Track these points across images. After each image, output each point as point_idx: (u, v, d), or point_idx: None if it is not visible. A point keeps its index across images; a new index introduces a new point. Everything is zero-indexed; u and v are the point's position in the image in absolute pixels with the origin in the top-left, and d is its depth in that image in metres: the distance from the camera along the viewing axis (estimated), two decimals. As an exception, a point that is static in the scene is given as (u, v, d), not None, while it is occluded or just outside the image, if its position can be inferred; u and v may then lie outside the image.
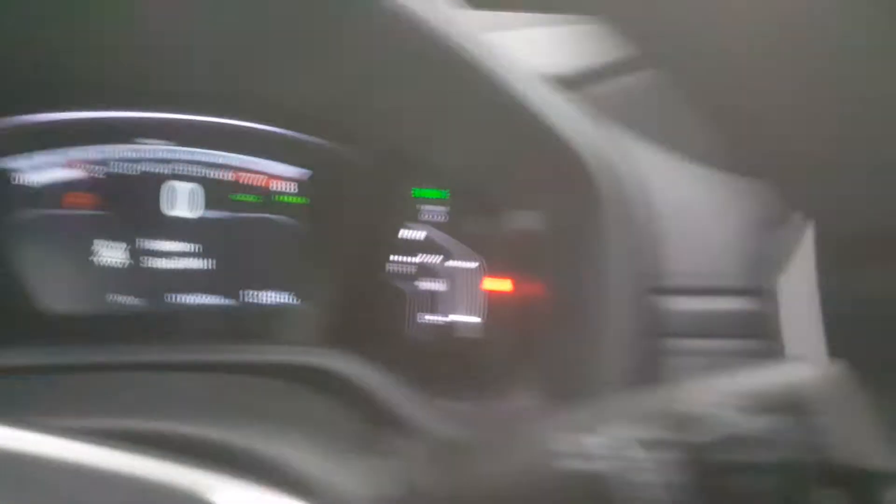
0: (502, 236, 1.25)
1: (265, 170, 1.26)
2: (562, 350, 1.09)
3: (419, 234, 1.28)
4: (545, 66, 1.06)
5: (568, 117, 0.99)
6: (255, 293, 1.25)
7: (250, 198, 1.25)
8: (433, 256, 1.28)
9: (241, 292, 1.24)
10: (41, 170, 1.18)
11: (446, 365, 1.24)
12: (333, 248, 1.26)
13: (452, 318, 1.28)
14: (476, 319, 1.28)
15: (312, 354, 0.98)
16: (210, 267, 1.24)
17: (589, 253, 1.02)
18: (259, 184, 1.26)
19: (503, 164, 1.20)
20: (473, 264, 1.28)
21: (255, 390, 0.94)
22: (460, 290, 1.28)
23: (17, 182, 1.17)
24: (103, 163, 1.20)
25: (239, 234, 1.25)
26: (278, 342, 1.18)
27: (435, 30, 0.90)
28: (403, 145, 1.23)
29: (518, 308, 1.25)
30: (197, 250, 1.23)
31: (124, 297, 1.21)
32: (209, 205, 1.24)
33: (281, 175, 1.27)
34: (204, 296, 1.23)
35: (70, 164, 1.19)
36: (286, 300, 1.26)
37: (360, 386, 0.95)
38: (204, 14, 0.97)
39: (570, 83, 1.06)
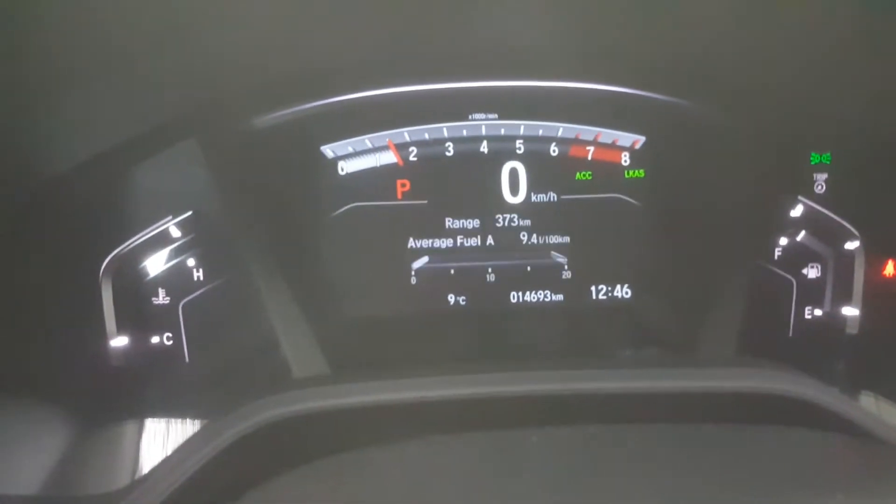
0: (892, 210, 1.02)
1: (596, 140, 1.06)
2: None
3: (795, 210, 1.05)
4: None
5: None
6: (603, 288, 1.08)
7: (585, 175, 1.07)
8: (808, 237, 1.05)
9: (589, 287, 1.08)
10: (364, 155, 1.04)
11: (831, 364, 1.04)
12: (693, 226, 1.05)
13: (837, 309, 1.06)
14: (856, 311, 1.06)
15: (759, 378, 0.75)
16: (552, 259, 1.08)
17: None
18: (591, 158, 1.06)
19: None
20: (854, 244, 1.05)
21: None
22: (842, 275, 1.06)
23: (341, 171, 1.04)
24: (434, 143, 1.04)
25: (581, 218, 1.07)
26: (690, 362, 0.91)
27: None
28: (791, 106, 0.99)
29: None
30: (538, 240, 1.07)
31: (463, 298, 1.07)
32: (544, 187, 1.06)
33: (613, 144, 1.07)
34: (547, 291, 1.08)
35: (395, 147, 1.04)
36: (641, 294, 1.08)
37: (824, 408, 0.73)
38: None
39: None
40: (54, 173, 0.92)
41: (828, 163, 1.04)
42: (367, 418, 0.72)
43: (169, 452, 0.70)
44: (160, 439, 0.96)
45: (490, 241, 1.07)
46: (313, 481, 0.64)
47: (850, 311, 1.05)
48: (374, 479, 0.64)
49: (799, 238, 1.05)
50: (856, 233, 1.04)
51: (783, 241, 1.05)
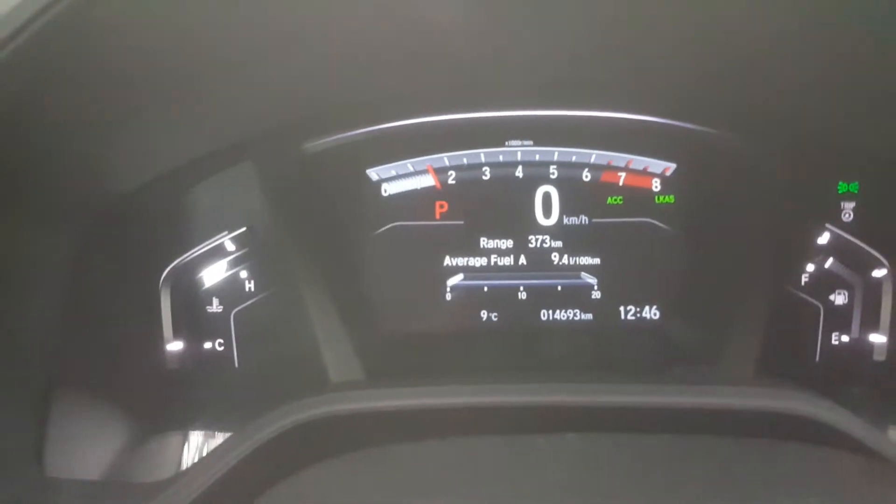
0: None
1: (628, 166, 1.11)
2: None
3: (819, 238, 1.08)
4: None
5: None
6: (635, 308, 1.13)
7: (616, 200, 1.12)
8: (835, 264, 1.07)
9: (617, 309, 1.12)
10: (406, 178, 1.11)
11: (861, 392, 1.05)
12: (720, 253, 1.09)
13: (864, 336, 1.08)
14: (884, 338, 1.07)
15: (774, 398, 0.77)
16: (583, 279, 1.13)
17: None
18: (629, 182, 1.11)
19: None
20: (882, 272, 1.07)
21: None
22: (870, 303, 1.08)
23: (384, 193, 1.11)
24: (469, 167, 1.11)
25: (611, 241, 1.12)
26: (706, 381, 0.92)
27: None
28: (816, 136, 1.02)
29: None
30: (568, 261, 1.12)
31: (495, 314, 1.13)
32: (578, 209, 1.11)
33: (644, 171, 1.11)
34: (576, 310, 1.13)
35: (433, 170, 1.11)
36: (668, 316, 1.12)
37: (839, 431, 0.74)
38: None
39: None
40: (124, 191, 1.01)
41: (855, 192, 1.07)
42: (396, 421, 0.77)
43: (212, 449, 0.76)
44: (207, 437, 1.04)
45: (522, 260, 1.12)
46: (337, 477, 0.70)
47: (878, 339, 1.07)
48: (398, 474, 0.70)
49: (827, 265, 1.07)
50: (884, 261, 1.06)
51: (811, 267, 1.08)
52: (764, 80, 0.96)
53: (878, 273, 1.06)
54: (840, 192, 1.07)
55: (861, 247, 1.06)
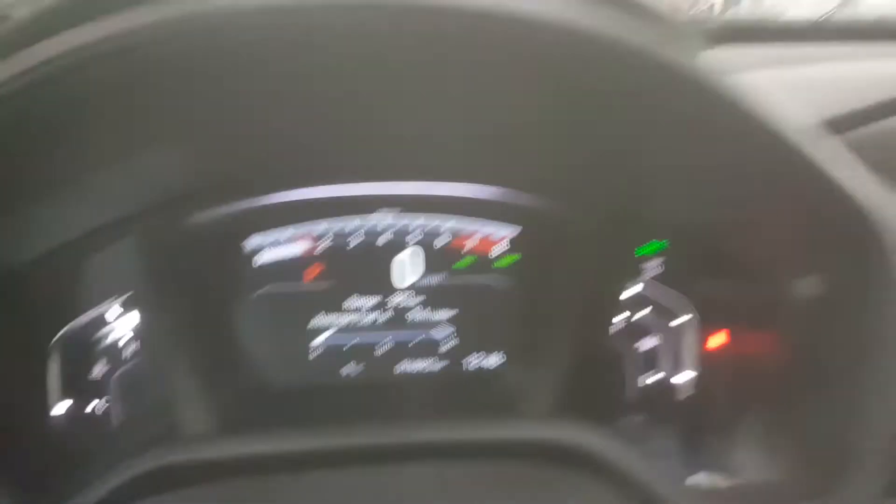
0: (726, 288, 1.21)
1: (479, 230, 1.28)
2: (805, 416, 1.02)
3: (635, 290, 1.25)
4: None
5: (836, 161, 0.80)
6: (474, 358, 1.27)
7: (467, 261, 1.28)
8: (648, 312, 1.25)
9: (461, 359, 1.27)
10: (278, 246, 1.26)
11: (666, 428, 1.21)
12: (545, 307, 1.25)
13: (670, 376, 1.24)
14: (691, 376, 1.24)
15: (553, 428, 0.91)
16: (432, 335, 1.27)
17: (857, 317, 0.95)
18: (474, 246, 1.28)
19: (739, 216, 1.15)
20: (688, 317, 1.25)
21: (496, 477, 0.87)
22: (677, 346, 1.24)
23: (256, 261, 1.25)
24: (335, 235, 1.26)
25: (457, 299, 1.27)
26: (507, 414, 1.13)
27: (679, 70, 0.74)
28: (627, 203, 1.21)
29: (738, 364, 1.20)
30: (420, 319, 1.27)
31: (354, 370, 1.26)
32: (430, 272, 1.27)
33: (495, 235, 1.28)
34: (426, 362, 1.27)
35: (304, 239, 1.26)
36: (501, 364, 1.27)
37: (609, 462, 0.86)
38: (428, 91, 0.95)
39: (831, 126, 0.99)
40: (10, 266, 1.12)
41: (665, 248, 1.25)
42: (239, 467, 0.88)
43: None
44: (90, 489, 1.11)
45: (383, 318, 1.26)
46: None
47: (683, 378, 1.23)
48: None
49: (643, 313, 1.24)
50: (691, 307, 1.24)
51: (625, 316, 1.25)
52: (584, 157, 1.14)
53: (686, 318, 1.24)
54: (652, 250, 1.25)
55: (671, 295, 1.24)
